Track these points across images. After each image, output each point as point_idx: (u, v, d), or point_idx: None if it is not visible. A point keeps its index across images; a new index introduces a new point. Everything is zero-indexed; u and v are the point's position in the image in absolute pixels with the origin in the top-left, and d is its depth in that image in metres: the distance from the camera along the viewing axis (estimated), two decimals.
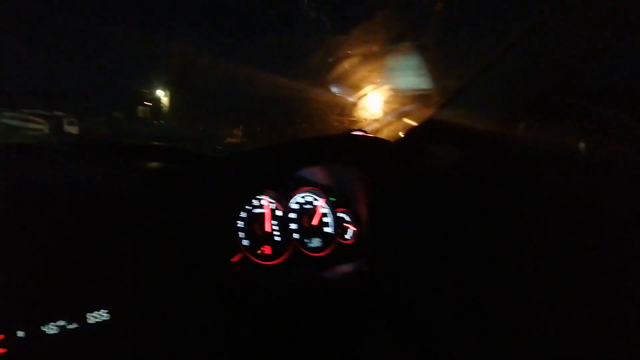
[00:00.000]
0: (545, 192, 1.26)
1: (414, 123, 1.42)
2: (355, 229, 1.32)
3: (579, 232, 1.19)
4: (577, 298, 1.06)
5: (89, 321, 0.78)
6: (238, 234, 1.12)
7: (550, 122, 1.40)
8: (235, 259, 1.10)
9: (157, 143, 1.33)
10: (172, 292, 0.91)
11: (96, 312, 0.79)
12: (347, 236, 1.31)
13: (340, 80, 1.42)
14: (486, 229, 1.09)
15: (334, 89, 1.44)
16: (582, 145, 1.37)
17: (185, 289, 0.93)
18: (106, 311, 0.80)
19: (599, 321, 0.95)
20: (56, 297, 0.77)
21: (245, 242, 1.13)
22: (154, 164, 1.13)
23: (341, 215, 1.32)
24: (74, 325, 0.76)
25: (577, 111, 1.46)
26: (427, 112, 1.47)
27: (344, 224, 1.32)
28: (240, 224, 1.13)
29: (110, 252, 0.84)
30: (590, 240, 1.07)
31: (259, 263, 1.13)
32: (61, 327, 0.75)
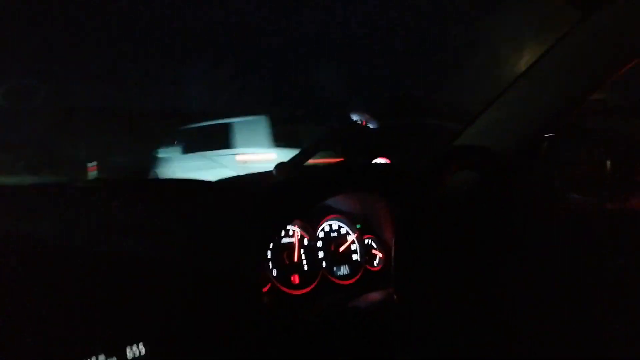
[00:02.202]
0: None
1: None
2: (382, 256, 1.32)
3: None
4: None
5: (128, 356, 0.79)
6: (267, 265, 1.13)
7: (572, 144, 1.41)
8: (265, 289, 1.11)
9: (183, 178, 1.36)
10: (206, 325, 0.91)
11: (135, 345, 0.80)
12: (375, 263, 1.31)
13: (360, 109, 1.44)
14: (509, 253, 1.09)
15: (355, 117, 1.46)
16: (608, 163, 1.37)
17: (219, 322, 0.94)
18: (143, 345, 0.81)
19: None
20: (96, 332, 0.78)
21: (274, 272, 1.14)
22: (183, 199, 1.16)
23: (368, 241, 1.32)
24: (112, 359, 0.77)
25: (600, 132, 1.47)
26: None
27: (372, 251, 1.32)
28: (269, 254, 1.14)
29: (148, 286, 0.85)
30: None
31: (288, 292, 1.14)
32: None
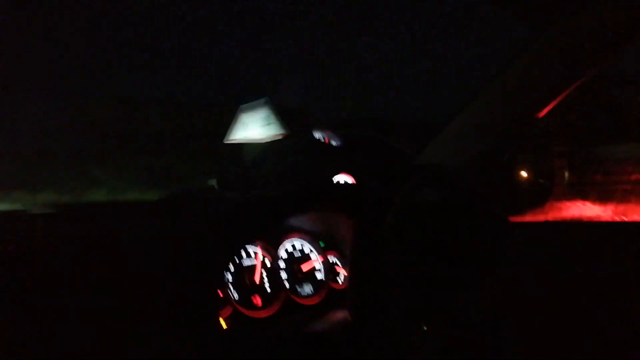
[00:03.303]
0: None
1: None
2: (346, 273, 1.31)
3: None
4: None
5: None
6: (227, 288, 1.11)
7: (530, 157, 1.44)
8: (225, 314, 1.08)
9: (139, 198, 1.33)
10: (162, 354, 0.89)
11: None
12: (339, 280, 1.30)
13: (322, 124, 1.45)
14: (469, 270, 1.10)
15: (317, 134, 1.46)
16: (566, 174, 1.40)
17: (176, 350, 0.91)
18: None
19: None
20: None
21: (235, 295, 1.11)
22: (135, 222, 1.13)
23: (332, 259, 1.31)
24: None
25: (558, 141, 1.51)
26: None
27: (336, 268, 1.31)
28: (228, 276, 1.12)
29: (99, 317, 0.82)
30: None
31: (250, 316, 1.12)
32: None
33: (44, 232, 1.02)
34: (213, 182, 1.39)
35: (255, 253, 1.17)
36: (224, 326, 1.06)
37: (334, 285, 1.29)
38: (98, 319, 0.82)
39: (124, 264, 0.94)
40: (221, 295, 1.06)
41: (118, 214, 1.20)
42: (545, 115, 1.28)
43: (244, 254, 1.15)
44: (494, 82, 1.31)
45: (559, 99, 1.25)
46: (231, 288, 1.10)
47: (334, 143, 1.46)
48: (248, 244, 1.15)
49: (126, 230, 1.08)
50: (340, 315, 1.19)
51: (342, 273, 1.31)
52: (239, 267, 1.14)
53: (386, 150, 1.56)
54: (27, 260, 0.88)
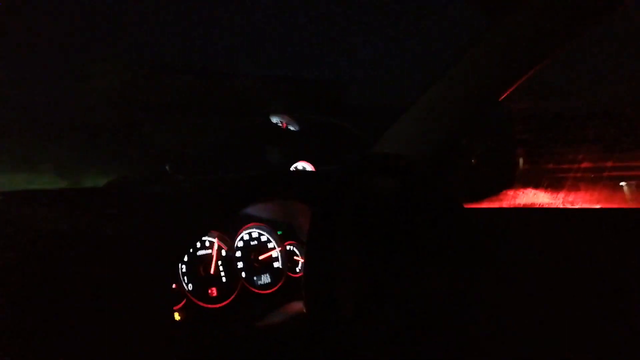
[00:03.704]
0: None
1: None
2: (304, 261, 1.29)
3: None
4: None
5: None
6: (181, 279, 1.07)
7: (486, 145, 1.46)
8: (179, 305, 1.05)
9: (120, 183, 1.27)
10: (113, 348, 0.85)
11: None
12: (297, 269, 1.29)
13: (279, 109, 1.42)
14: (426, 259, 1.10)
15: (275, 119, 1.42)
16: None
17: (128, 344, 0.87)
18: None
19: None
20: None
21: (189, 287, 1.08)
22: (89, 208, 1.07)
23: (290, 248, 1.30)
24: None
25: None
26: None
27: (294, 257, 1.29)
28: (182, 267, 1.08)
29: (48, 306, 0.78)
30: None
31: (205, 307, 1.09)
32: None
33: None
34: (166, 166, 1.33)
35: (212, 243, 1.13)
36: (177, 318, 1.03)
37: (292, 275, 1.27)
38: (46, 311, 0.78)
39: (72, 253, 0.89)
40: (174, 287, 1.03)
41: (71, 200, 1.13)
42: (503, 101, 1.29)
43: (198, 244, 1.12)
44: (453, 67, 1.31)
45: (517, 83, 1.27)
46: (185, 279, 1.07)
47: (291, 128, 1.43)
48: (204, 235, 1.11)
49: (77, 217, 1.02)
50: (296, 306, 1.18)
51: (301, 262, 1.30)
52: (193, 257, 1.10)
53: (344, 136, 1.55)
54: None
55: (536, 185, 1.36)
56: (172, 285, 1.01)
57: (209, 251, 1.13)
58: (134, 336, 0.88)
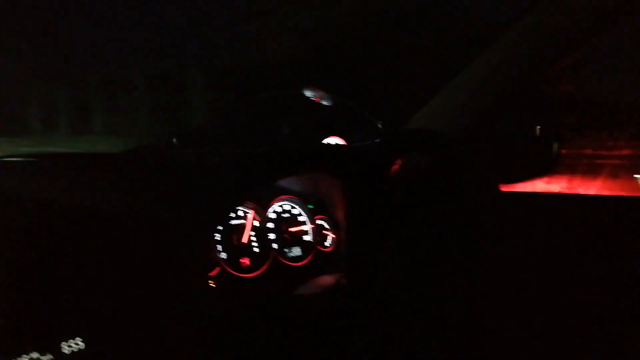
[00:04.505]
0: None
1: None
2: (334, 236, 1.30)
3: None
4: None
5: (64, 351, 0.73)
6: (215, 247, 1.08)
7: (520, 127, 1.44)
8: (213, 273, 1.07)
9: (126, 150, 1.27)
10: (148, 313, 0.87)
11: (71, 340, 0.74)
12: (326, 243, 1.29)
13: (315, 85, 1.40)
14: (461, 235, 1.10)
15: (308, 93, 1.41)
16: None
17: (162, 310, 0.89)
18: (81, 339, 0.75)
19: None
20: (27, 327, 0.72)
21: (222, 255, 1.09)
22: (123, 175, 1.08)
23: (320, 222, 1.30)
24: (47, 357, 0.71)
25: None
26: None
27: (323, 232, 1.30)
28: (217, 236, 1.09)
29: (81, 274, 0.79)
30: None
31: (237, 276, 1.10)
32: None
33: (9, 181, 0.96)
34: (173, 139, 1.33)
35: (245, 213, 1.14)
36: (212, 285, 1.05)
37: (322, 249, 1.28)
38: (77, 279, 0.79)
39: (109, 220, 0.90)
40: (210, 254, 1.04)
41: (95, 166, 1.14)
42: (545, 83, 1.26)
43: (232, 213, 1.12)
44: (494, 45, 1.28)
45: (560, 62, 1.23)
46: (219, 248, 1.08)
47: (325, 103, 1.41)
48: (239, 205, 1.12)
49: (105, 182, 1.03)
50: (328, 279, 1.19)
51: (330, 236, 1.30)
52: (227, 226, 1.11)
53: (377, 113, 1.53)
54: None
55: (572, 171, 1.34)
56: (208, 252, 1.02)
57: (243, 221, 1.14)
58: (170, 301, 0.90)
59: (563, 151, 1.36)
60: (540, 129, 1.33)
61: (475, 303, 1.03)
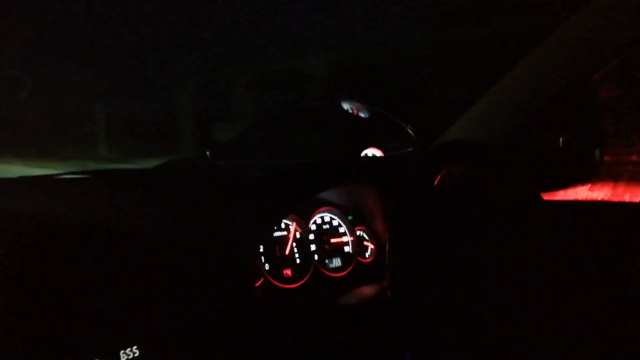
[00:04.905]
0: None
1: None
2: (374, 247, 1.31)
3: None
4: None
5: (122, 359, 0.76)
6: (260, 259, 1.11)
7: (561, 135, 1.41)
8: (257, 283, 1.09)
9: (170, 165, 1.31)
10: (199, 322, 0.89)
11: (129, 349, 0.77)
12: (366, 254, 1.30)
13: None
14: (503, 245, 1.09)
15: (345, 105, 1.43)
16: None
17: (212, 319, 0.92)
18: (137, 348, 0.78)
19: None
20: (89, 337, 0.75)
21: (266, 266, 1.12)
22: (172, 190, 1.12)
23: (360, 233, 1.31)
24: None
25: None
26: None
27: (364, 242, 1.31)
28: (261, 248, 1.12)
29: (140, 287, 0.82)
30: None
31: (280, 287, 1.12)
32: None
33: (67, 197, 1.01)
34: (207, 152, 1.36)
35: (287, 225, 1.16)
36: (257, 296, 1.07)
37: (362, 260, 1.29)
38: (132, 290, 0.82)
39: (157, 232, 0.93)
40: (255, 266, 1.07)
41: (141, 181, 1.18)
42: (589, 88, 1.24)
43: (275, 226, 1.15)
44: (528, 56, 1.27)
45: (595, 75, 1.22)
46: (263, 259, 1.11)
47: (362, 115, 1.43)
48: (284, 217, 1.14)
49: (156, 197, 1.07)
50: (368, 289, 1.19)
51: (370, 247, 1.31)
52: (271, 238, 1.13)
53: (414, 124, 1.54)
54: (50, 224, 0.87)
55: (616, 179, 1.31)
56: (255, 263, 1.05)
57: (285, 233, 1.16)
58: (218, 311, 0.92)
59: (606, 158, 1.33)
60: (563, 140, 1.31)
61: (520, 313, 1.02)
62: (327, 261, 1.22)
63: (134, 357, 0.78)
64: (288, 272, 1.14)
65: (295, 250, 1.17)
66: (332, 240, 1.25)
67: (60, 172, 1.21)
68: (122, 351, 0.76)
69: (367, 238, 1.31)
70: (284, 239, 1.16)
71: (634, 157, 1.31)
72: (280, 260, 1.14)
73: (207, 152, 1.29)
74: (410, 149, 1.42)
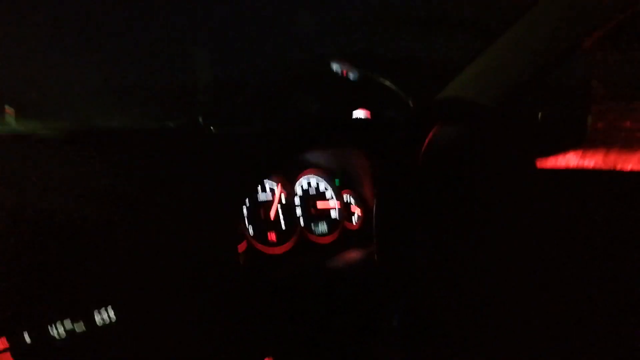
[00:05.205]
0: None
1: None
2: (360, 212, 1.28)
3: None
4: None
5: (96, 321, 0.73)
6: (243, 222, 1.08)
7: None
8: (240, 249, 1.06)
9: (150, 126, 1.26)
10: (178, 285, 0.86)
11: (103, 309, 0.74)
12: (353, 220, 1.28)
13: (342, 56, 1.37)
14: (496, 211, 1.06)
15: (335, 66, 1.38)
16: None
17: (192, 283, 0.89)
18: (113, 310, 0.75)
19: None
20: (59, 295, 0.72)
21: (250, 230, 1.09)
22: (152, 150, 1.07)
23: (346, 198, 1.28)
24: (80, 325, 0.72)
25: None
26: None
27: (350, 208, 1.28)
28: (244, 211, 1.08)
29: (115, 245, 0.79)
30: None
31: (265, 254, 1.09)
32: (68, 330, 0.71)
33: (54, 156, 0.96)
34: (199, 117, 1.31)
35: (272, 189, 1.13)
36: (240, 261, 1.04)
37: (348, 225, 1.26)
38: (115, 253, 0.79)
39: (138, 193, 0.89)
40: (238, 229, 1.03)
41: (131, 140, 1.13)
42: (586, 49, 1.20)
43: (259, 188, 1.11)
44: (526, 16, 1.22)
45: (600, 30, 1.17)
46: (246, 223, 1.07)
47: (351, 76, 1.38)
48: (267, 178, 1.11)
49: (138, 157, 1.02)
50: (354, 254, 1.17)
51: (357, 212, 1.28)
52: (254, 201, 1.10)
53: (406, 86, 1.49)
54: (40, 184, 0.83)
55: (609, 145, 1.28)
56: (237, 226, 1.01)
57: (269, 197, 1.13)
58: (200, 275, 0.89)
59: (599, 125, 1.31)
60: (542, 115, 1.28)
61: (509, 282, 1.00)
62: (312, 226, 1.19)
63: (110, 321, 0.75)
64: (272, 236, 1.11)
65: (280, 213, 1.14)
66: (319, 205, 1.22)
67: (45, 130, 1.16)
68: (97, 311, 0.73)
69: (353, 203, 1.28)
70: (269, 203, 1.12)
71: (628, 124, 1.28)
72: (265, 223, 1.11)
73: (199, 118, 1.24)
74: (400, 112, 1.38)
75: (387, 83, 1.42)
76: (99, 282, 0.76)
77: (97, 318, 0.73)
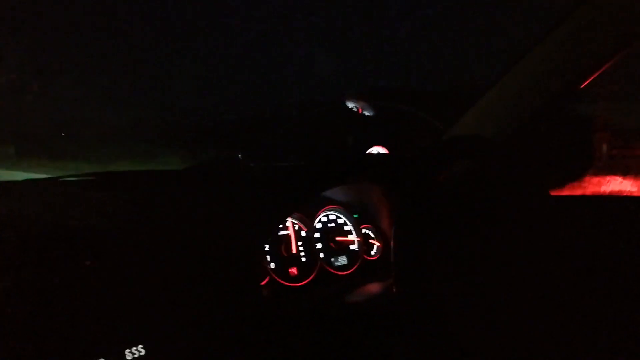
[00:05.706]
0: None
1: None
2: (380, 245, 1.31)
3: None
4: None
5: (127, 357, 0.77)
6: (265, 257, 1.11)
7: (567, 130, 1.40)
8: (263, 282, 1.09)
9: (178, 168, 1.32)
10: (205, 321, 0.90)
11: (134, 348, 0.78)
12: (372, 252, 1.30)
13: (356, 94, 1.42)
14: (509, 241, 1.08)
15: (350, 104, 1.43)
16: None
17: (218, 318, 0.92)
18: (142, 346, 0.79)
19: None
20: (94, 336, 0.76)
21: (272, 265, 1.12)
22: (177, 190, 1.12)
23: (365, 231, 1.31)
24: None
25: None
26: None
27: (369, 240, 1.31)
28: (266, 247, 1.12)
29: (146, 285, 0.83)
30: None
31: (286, 285, 1.12)
32: None
33: (75, 199, 1.02)
34: (239, 154, 1.37)
35: (292, 224, 1.17)
36: (262, 294, 1.07)
37: (368, 257, 1.28)
38: (138, 289, 0.83)
39: (164, 232, 0.94)
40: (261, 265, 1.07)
41: (153, 182, 1.20)
42: (586, 86, 1.24)
43: (280, 225, 1.15)
44: (534, 50, 1.26)
45: (602, 68, 1.21)
46: (269, 258, 1.11)
47: (367, 113, 1.43)
48: (289, 215, 1.14)
49: (163, 198, 1.08)
50: (374, 287, 1.19)
51: (376, 245, 1.31)
52: (275, 237, 1.14)
53: (418, 122, 1.53)
54: (59, 226, 0.88)
55: (624, 173, 1.29)
56: (260, 262, 1.05)
57: (290, 232, 1.16)
58: (224, 310, 0.92)
59: (614, 152, 1.32)
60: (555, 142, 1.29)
61: (527, 309, 1.01)
62: (332, 259, 1.22)
63: (139, 356, 0.78)
64: (294, 270, 1.14)
65: (301, 248, 1.17)
66: (338, 239, 1.25)
67: (67, 174, 1.23)
68: (128, 350, 0.77)
69: (372, 236, 1.31)
70: (289, 238, 1.16)
71: None
72: (286, 259, 1.14)
73: (239, 155, 1.30)
74: (415, 147, 1.42)
75: (418, 112, 1.47)
76: (130, 321, 0.80)
77: (129, 357, 0.77)
